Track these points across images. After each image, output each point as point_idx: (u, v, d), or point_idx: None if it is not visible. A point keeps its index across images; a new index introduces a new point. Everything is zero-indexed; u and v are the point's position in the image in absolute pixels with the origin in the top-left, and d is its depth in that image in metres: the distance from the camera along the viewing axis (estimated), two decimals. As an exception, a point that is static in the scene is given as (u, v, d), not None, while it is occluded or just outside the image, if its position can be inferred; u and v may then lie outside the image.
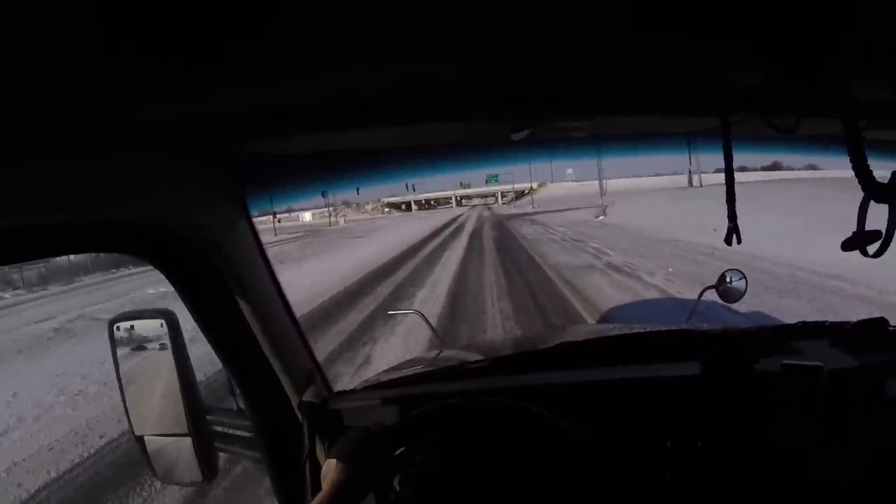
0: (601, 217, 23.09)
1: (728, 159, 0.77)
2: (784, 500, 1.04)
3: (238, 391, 1.08)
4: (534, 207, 44.62)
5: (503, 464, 1.04)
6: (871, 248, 0.61)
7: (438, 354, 1.98)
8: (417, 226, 30.40)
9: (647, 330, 1.59)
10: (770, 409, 1.04)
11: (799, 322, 1.31)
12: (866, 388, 1.04)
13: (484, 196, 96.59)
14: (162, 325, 1.01)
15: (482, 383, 1.19)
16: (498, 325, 6.39)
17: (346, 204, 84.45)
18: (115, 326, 1.05)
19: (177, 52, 0.52)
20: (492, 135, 0.94)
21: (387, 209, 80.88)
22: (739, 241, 0.76)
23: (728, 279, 1.93)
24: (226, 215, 0.92)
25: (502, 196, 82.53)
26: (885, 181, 0.60)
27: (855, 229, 0.61)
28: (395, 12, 0.50)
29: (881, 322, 1.23)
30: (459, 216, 39.18)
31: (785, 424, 1.03)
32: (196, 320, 0.95)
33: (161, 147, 0.71)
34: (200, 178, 0.84)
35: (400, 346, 5.73)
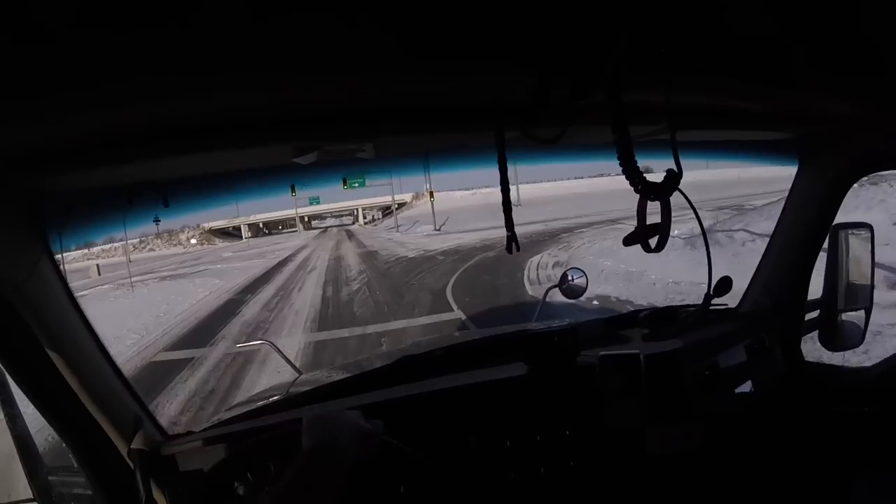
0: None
1: (503, 171, 0.78)
2: (626, 480, 1.14)
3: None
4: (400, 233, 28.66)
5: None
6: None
7: (294, 381, 1.91)
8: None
9: (481, 336, 1.67)
10: (596, 398, 1.14)
11: (621, 314, 1.42)
12: (696, 366, 1.14)
13: (339, 214, 75.08)
14: None
15: (321, 408, 1.16)
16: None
17: (158, 235, 60.46)
18: None
19: None
20: (277, 159, 0.89)
21: (193, 241, 55.64)
22: (518, 249, 0.80)
23: (570, 277, 2.04)
24: (25, 257, 0.85)
25: (364, 215, 61.71)
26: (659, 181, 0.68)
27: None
28: (165, 38, 0.49)
29: (686, 306, 1.38)
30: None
31: (612, 411, 1.12)
32: (8, 373, 0.90)
33: None
34: None
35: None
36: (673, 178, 0.69)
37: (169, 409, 4.70)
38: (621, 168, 0.65)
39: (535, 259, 11.09)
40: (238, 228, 63.35)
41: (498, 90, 0.74)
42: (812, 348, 1.37)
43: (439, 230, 27.27)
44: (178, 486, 1.05)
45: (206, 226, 64.27)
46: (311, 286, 11.33)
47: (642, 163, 0.70)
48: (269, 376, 4.89)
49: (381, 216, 58.49)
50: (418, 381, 1.22)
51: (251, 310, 9.27)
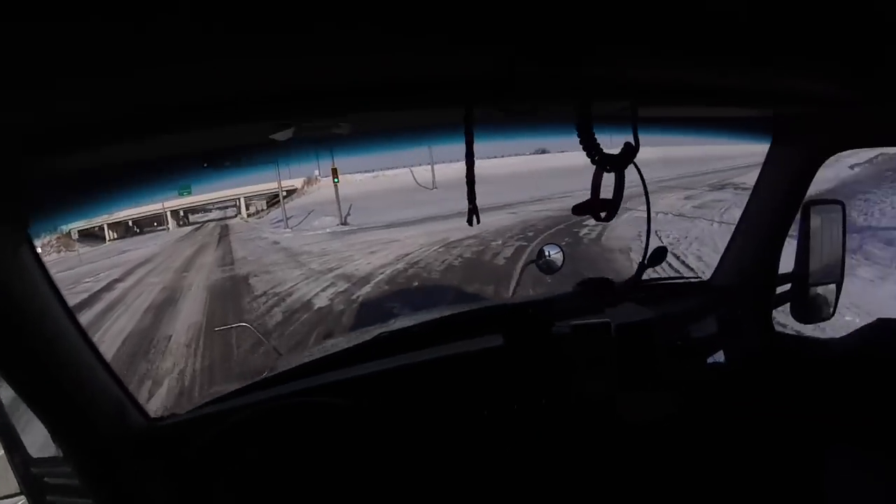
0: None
1: (469, 145, 0.79)
2: (603, 448, 1.16)
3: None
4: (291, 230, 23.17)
5: (315, 460, 1.03)
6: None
7: (274, 362, 1.97)
8: None
9: (457, 312, 1.62)
10: (569, 367, 1.17)
11: (589, 280, 1.46)
12: (668, 336, 1.20)
13: (222, 206, 64.29)
14: None
15: (300, 385, 1.19)
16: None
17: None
18: None
19: None
20: (254, 137, 0.89)
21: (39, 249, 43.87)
22: (479, 222, 0.81)
23: (546, 253, 2.03)
24: (4, 242, 0.85)
25: (247, 205, 52.04)
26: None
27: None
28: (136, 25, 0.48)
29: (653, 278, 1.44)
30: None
31: (581, 378, 1.16)
32: None
33: None
34: None
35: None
36: (629, 151, 0.69)
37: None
38: (579, 139, 0.66)
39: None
40: (102, 228, 51.20)
41: (468, 65, 0.74)
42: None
43: (346, 223, 20.39)
44: (163, 468, 1.03)
45: (72, 227, 51.62)
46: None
47: (619, 139, 0.70)
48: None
49: (265, 207, 49.65)
50: (395, 356, 1.24)
51: None
